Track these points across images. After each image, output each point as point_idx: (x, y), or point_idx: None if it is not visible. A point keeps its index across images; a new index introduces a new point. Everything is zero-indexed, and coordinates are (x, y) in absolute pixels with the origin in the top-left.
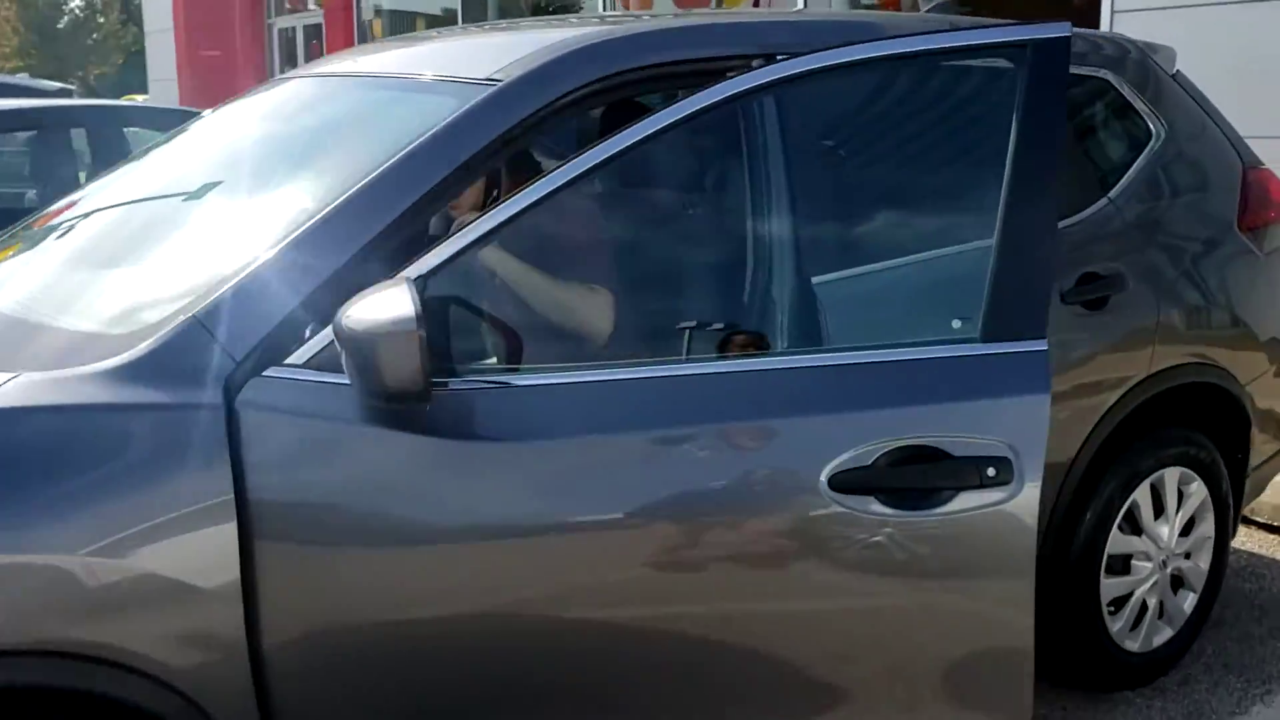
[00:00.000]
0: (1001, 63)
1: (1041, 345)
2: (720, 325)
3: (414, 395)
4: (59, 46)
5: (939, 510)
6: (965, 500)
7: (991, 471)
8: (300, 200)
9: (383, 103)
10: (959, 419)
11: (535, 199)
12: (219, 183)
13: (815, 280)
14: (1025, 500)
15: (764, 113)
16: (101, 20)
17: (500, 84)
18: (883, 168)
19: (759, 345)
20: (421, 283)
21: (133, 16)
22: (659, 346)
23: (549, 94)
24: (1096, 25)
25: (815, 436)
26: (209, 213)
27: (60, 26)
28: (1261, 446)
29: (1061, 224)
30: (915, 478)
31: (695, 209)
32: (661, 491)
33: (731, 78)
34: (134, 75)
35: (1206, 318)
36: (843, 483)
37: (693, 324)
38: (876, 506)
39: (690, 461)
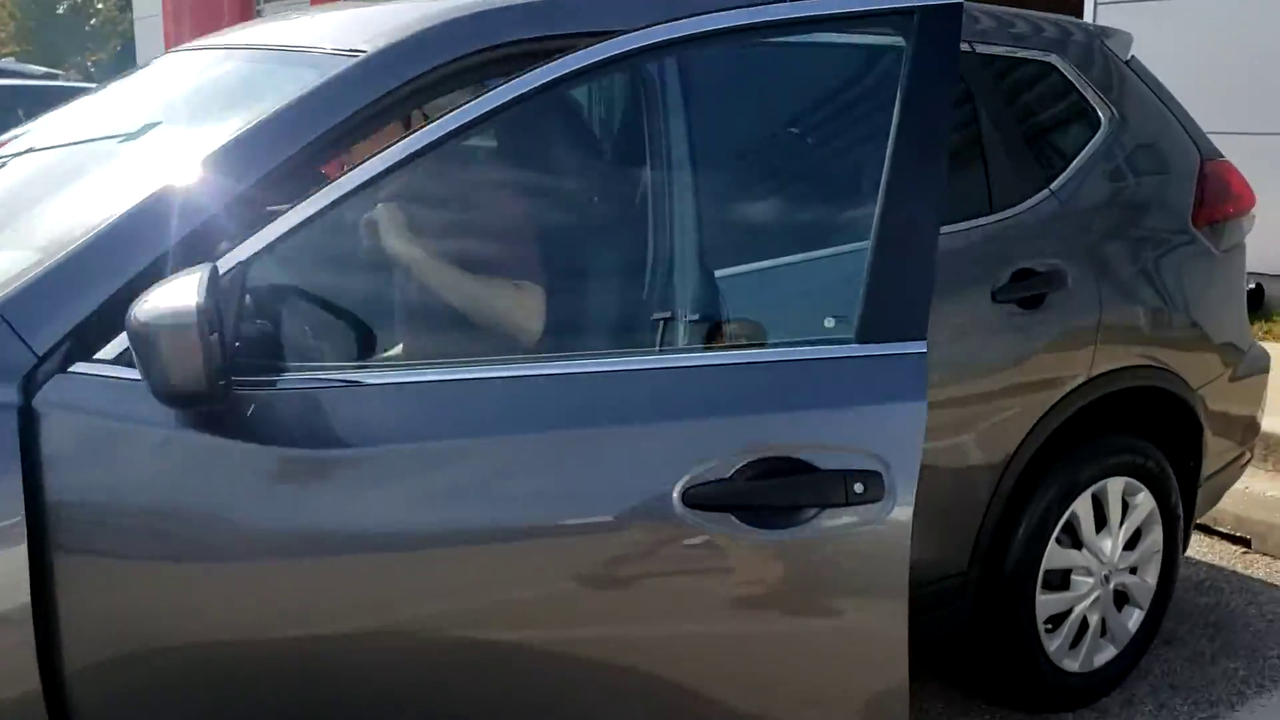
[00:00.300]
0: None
1: (920, 348)
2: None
3: (201, 397)
4: (57, 32)
5: (802, 529)
6: (831, 519)
7: (859, 487)
8: (128, 183)
9: (245, 77)
10: (827, 428)
11: (375, 172)
12: (65, 162)
13: (675, 275)
14: (896, 520)
15: (603, 96)
16: (100, 5)
17: (361, 56)
18: (750, 149)
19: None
20: (241, 269)
21: (130, 2)
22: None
23: (417, 66)
24: (1080, 15)
25: (669, 446)
26: (46, 195)
27: (60, 12)
28: (1216, 454)
29: (996, 217)
30: (776, 493)
31: (532, 198)
32: (502, 504)
33: (554, 60)
34: (131, 61)
35: (1154, 318)
36: (698, 498)
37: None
38: (735, 524)
39: (534, 471)
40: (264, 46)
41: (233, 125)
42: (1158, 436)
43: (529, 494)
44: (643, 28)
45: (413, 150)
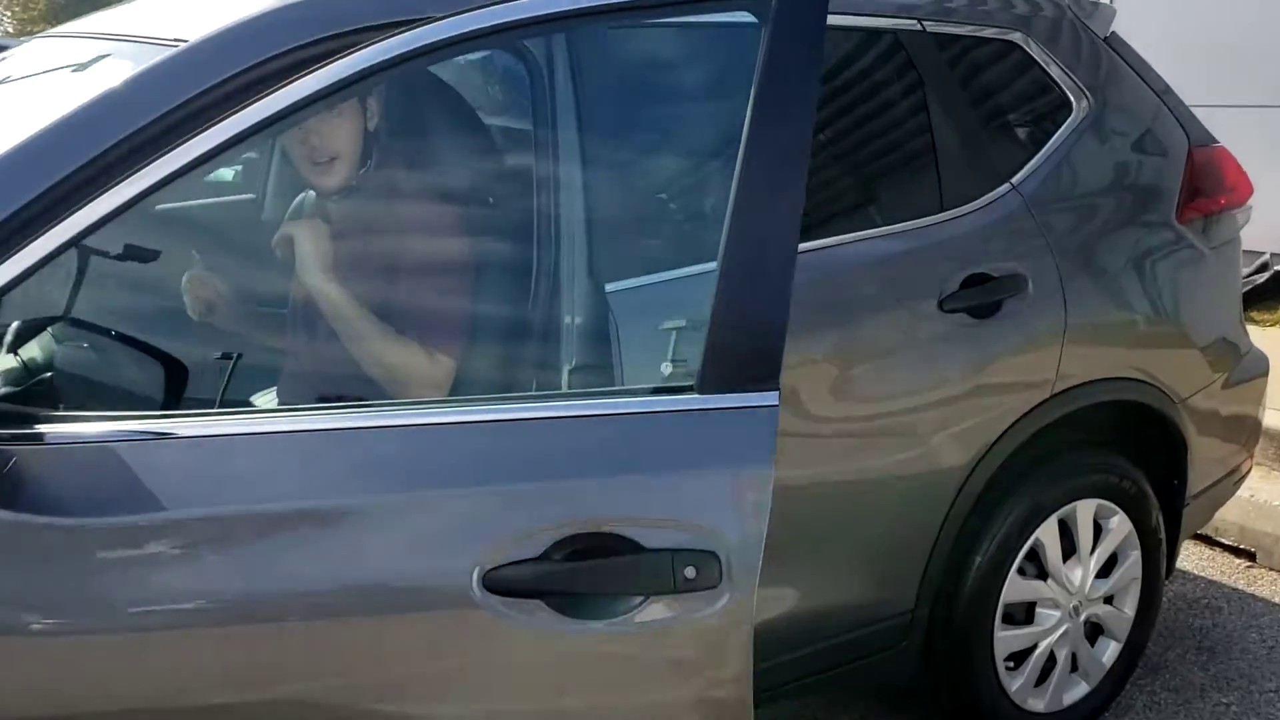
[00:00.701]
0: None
1: (771, 399)
2: None
3: None
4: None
5: (622, 622)
6: (657, 609)
7: (690, 572)
8: None
9: (69, 70)
10: (654, 498)
11: (158, 179)
12: None
13: (482, 311)
14: (734, 612)
15: (404, 96)
16: None
17: (182, 47)
18: (570, 161)
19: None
20: None
21: None
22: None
23: (245, 58)
24: None
25: (465, 518)
26: None
27: None
28: (1210, 466)
29: (947, 215)
30: (593, 578)
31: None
32: (268, 587)
33: (342, 58)
34: None
35: (1130, 325)
36: (503, 582)
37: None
38: (544, 615)
39: (305, 545)
40: (107, 35)
41: (23, 130)
42: (1137, 452)
43: (301, 570)
44: (478, 8)
45: (204, 150)
